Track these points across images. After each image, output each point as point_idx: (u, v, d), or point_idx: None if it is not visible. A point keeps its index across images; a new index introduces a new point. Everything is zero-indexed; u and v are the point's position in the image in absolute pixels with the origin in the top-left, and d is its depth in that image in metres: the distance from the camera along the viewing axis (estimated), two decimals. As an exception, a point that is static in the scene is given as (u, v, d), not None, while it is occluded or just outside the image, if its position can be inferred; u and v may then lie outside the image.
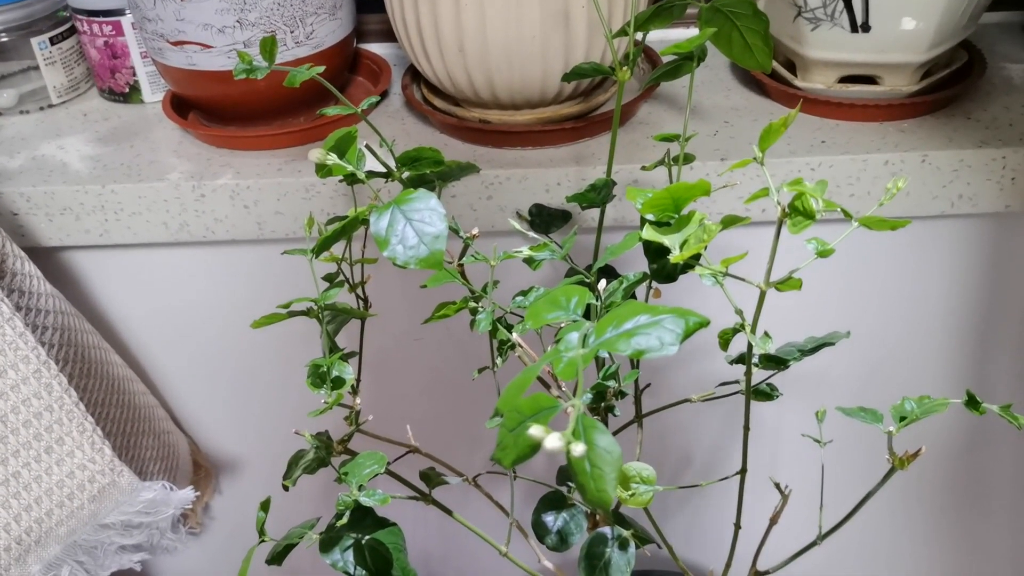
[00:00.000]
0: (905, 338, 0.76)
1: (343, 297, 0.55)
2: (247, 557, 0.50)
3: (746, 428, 0.50)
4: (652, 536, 0.57)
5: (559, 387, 0.50)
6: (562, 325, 0.34)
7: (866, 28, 0.63)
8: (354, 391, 0.53)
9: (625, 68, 0.50)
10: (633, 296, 0.49)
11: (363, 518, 0.51)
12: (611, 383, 0.51)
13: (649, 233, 0.42)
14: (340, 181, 0.64)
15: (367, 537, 0.51)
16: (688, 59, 0.49)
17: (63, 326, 0.66)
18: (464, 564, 0.94)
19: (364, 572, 0.50)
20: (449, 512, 0.56)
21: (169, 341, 0.78)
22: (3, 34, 0.75)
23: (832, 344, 0.54)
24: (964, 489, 0.86)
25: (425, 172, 0.50)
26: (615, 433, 0.54)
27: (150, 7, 0.65)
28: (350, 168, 0.47)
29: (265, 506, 0.52)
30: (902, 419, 0.46)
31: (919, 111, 0.66)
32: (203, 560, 0.94)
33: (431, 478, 0.57)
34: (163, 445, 0.76)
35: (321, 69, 0.49)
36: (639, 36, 0.52)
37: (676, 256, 0.40)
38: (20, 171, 0.69)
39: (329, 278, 0.54)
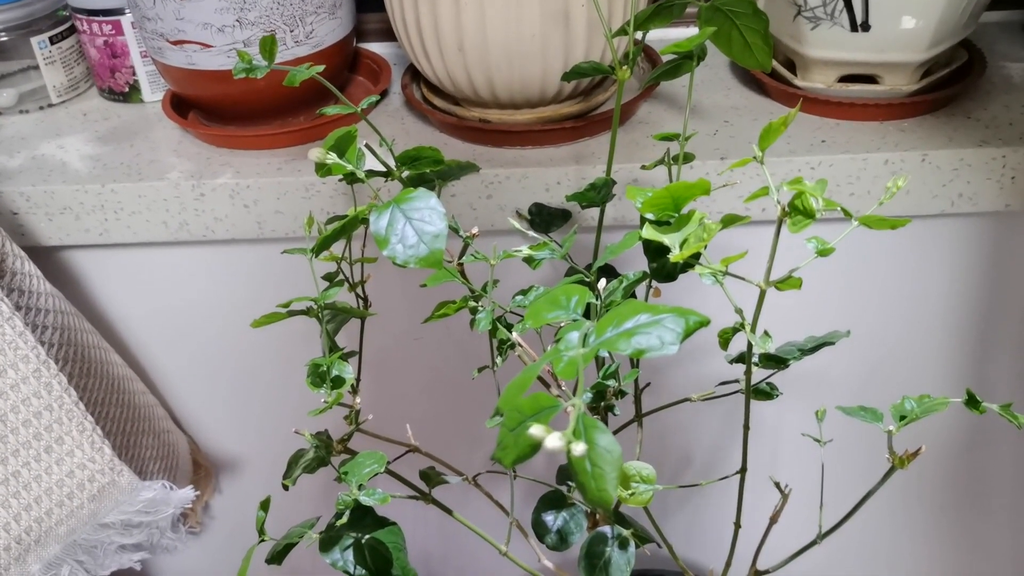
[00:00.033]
0: (905, 337, 0.76)
1: (343, 296, 0.55)
2: (247, 556, 0.50)
3: (746, 427, 0.50)
4: (652, 535, 0.57)
5: (559, 386, 0.50)
6: (562, 324, 0.34)
7: (866, 27, 0.63)
8: (354, 390, 0.53)
9: (625, 67, 0.50)
10: (633, 295, 0.49)
11: (363, 517, 0.51)
12: (611, 382, 0.51)
13: (649, 232, 0.42)
14: (340, 180, 0.64)
15: (367, 536, 0.51)
16: (688, 58, 0.49)
17: (63, 325, 0.66)
18: (464, 563, 0.94)
19: (364, 571, 0.50)
20: (449, 511, 0.56)
21: (169, 340, 0.78)
22: (3, 33, 0.75)
23: (832, 343, 0.54)
24: (964, 488, 0.86)
25: (425, 171, 0.50)
26: (615, 432, 0.54)
27: (150, 6, 0.65)
28: (350, 167, 0.47)
29: (265, 505, 0.52)
30: (902, 418, 0.46)
31: (919, 110, 0.66)
32: (203, 559, 0.94)
33: (431, 477, 0.57)
34: (163, 444, 0.76)
35: (321, 68, 0.49)
36: (639, 35, 0.52)
37: (676, 255, 0.40)
38: (20, 170, 0.69)
39: (329, 277, 0.54)
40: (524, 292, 0.52)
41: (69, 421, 0.61)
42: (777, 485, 0.54)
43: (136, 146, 0.71)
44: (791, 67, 0.70)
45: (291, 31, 0.66)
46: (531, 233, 0.57)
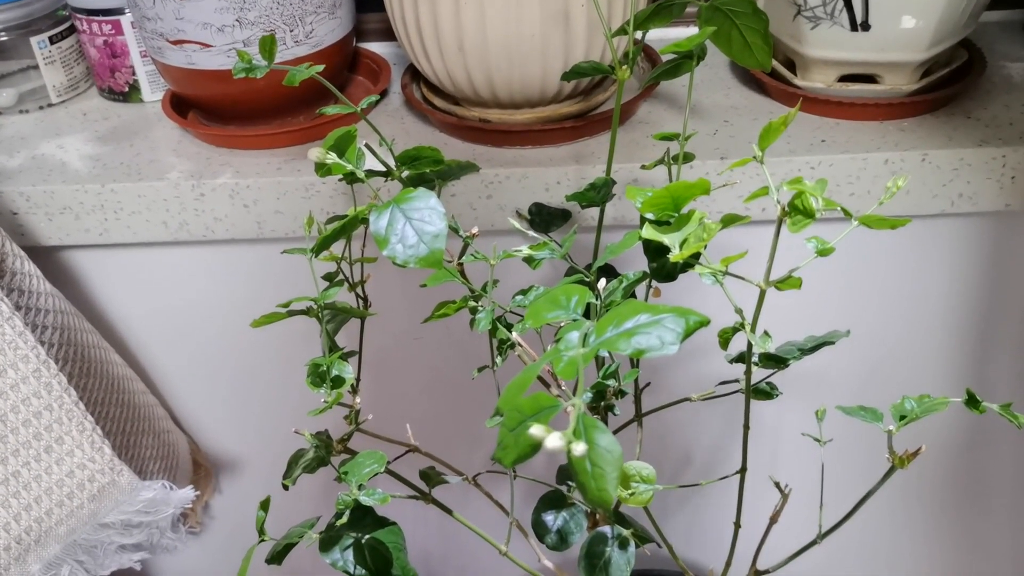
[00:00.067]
0: (905, 337, 0.76)
1: (343, 296, 0.54)
2: (247, 556, 0.50)
3: (746, 427, 0.50)
4: (652, 535, 0.57)
5: (559, 386, 0.50)
6: (562, 324, 0.34)
7: (866, 27, 0.63)
8: (354, 390, 0.53)
9: (625, 67, 0.49)
10: (633, 295, 0.49)
11: (363, 517, 0.51)
12: (611, 382, 0.51)
13: (649, 232, 0.41)
14: (340, 180, 0.64)
15: (367, 536, 0.51)
16: (688, 58, 0.49)
17: (63, 325, 0.66)
18: (464, 563, 0.94)
19: (364, 571, 0.50)
20: (449, 511, 0.56)
21: (169, 340, 0.78)
22: (2, 33, 0.75)
23: (832, 343, 0.54)
24: (964, 488, 0.86)
25: (425, 171, 0.50)
26: (615, 432, 0.54)
27: (149, 6, 0.65)
28: (350, 167, 0.47)
29: (265, 505, 0.52)
30: (902, 418, 0.46)
31: (919, 110, 0.66)
32: (203, 559, 0.94)
33: (431, 477, 0.57)
34: (163, 444, 0.76)
35: (320, 68, 0.49)
36: (638, 35, 0.52)
37: (676, 255, 0.40)
38: (20, 170, 0.69)
39: (329, 277, 0.54)
40: (524, 292, 0.52)
41: (69, 421, 0.61)
42: (777, 485, 0.54)
43: (136, 146, 0.71)
44: (791, 67, 0.70)
45: (291, 31, 0.66)
46: (531, 233, 0.57)
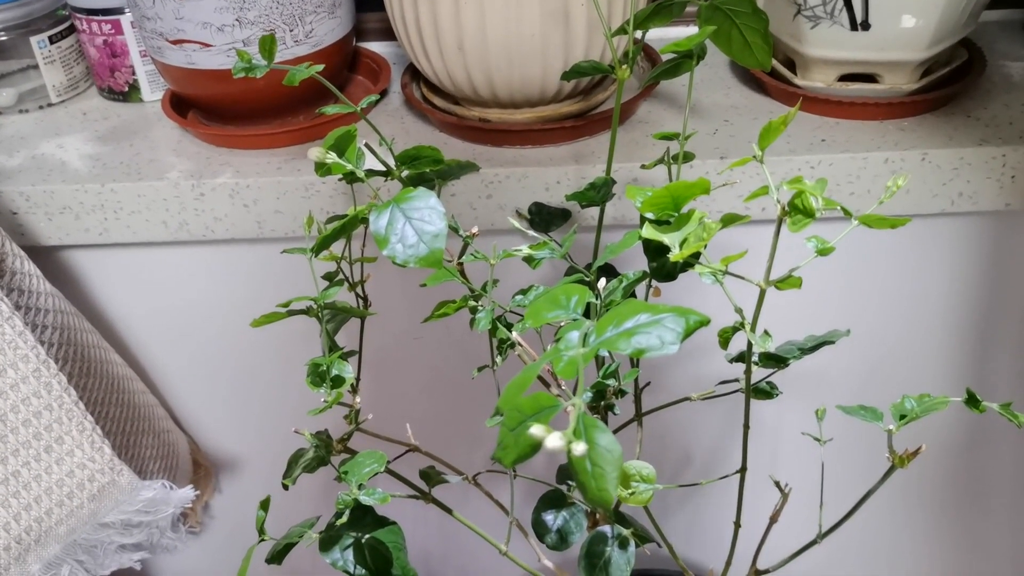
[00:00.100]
0: (905, 336, 0.76)
1: (343, 296, 0.54)
2: (247, 556, 0.50)
3: (746, 427, 0.50)
4: (652, 535, 0.57)
5: (559, 386, 0.50)
6: (562, 324, 0.34)
7: (866, 26, 0.63)
8: (354, 390, 0.53)
9: (624, 66, 0.49)
10: (633, 295, 0.49)
11: (363, 517, 0.51)
12: (611, 382, 0.51)
13: (649, 231, 0.41)
14: (339, 180, 0.64)
15: (367, 536, 0.51)
16: (688, 57, 0.49)
17: (62, 325, 0.66)
18: (464, 563, 0.94)
19: (364, 571, 0.50)
20: (449, 511, 0.56)
21: (169, 340, 0.78)
22: (2, 33, 0.75)
23: (832, 342, 0.54)
24: (964, 487, 0.86)
25: (424, 171, 0.50)
26: (615, 432, 0.54)
27: (149, 6, 0.64)
28: (349, 167, 0.47)
29: (265, 505, 0.52)
30: (902, 417, 0.46)
31: (919, 109, 0.66)
32: (203, 559, 0.94)
33: (431, 477, 0.57)
34: (163, 444, 0.76)
35: (320, 68, 0.49)
36: (638, 34, 0.52)
37: (676, 255, 0.40)
38: (19, 170, 0.69)
39: (329, 277, 0.54)
40: (524, 292, 0.52)
41: (69, 421, 0.61)
42: (777, 484, 0.54)
43: (136, 145, 0.71)
44: (791, 66, 0.70)
45: (290, 30, 0.66)
46: (531, 232, 0.57)
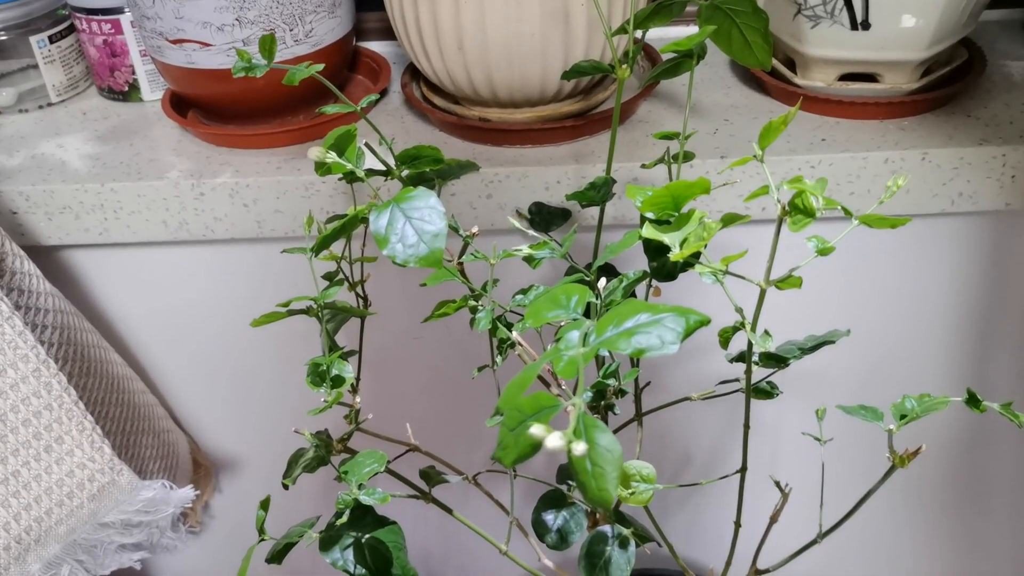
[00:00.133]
0: (905, 336, 0.76)
1: (343, 296, 0.54)
2: (247, 556, 0.50)
3: (746, 426, 0.50)
4: (652, 534, 0.57)
5: (559, 385, 0.50)
6: (562, 324, 0.34)
7: (866, 26, 0.63)
8: (354, 390, 0.53)
9: (625, 66, 0.49)
10: (633, 294, 0.49)
11: (363, 517, 0.51)
12: (611, 381, 0.51)
13: (649, 231, 0.41)
14: (339, 179, 0.64)
15: (367, 536, 0.51)
16: (688, 57, 0.49)
17: (62, 325, 0.66)
18: (464, 563, 0.94)
19: (364, 571, 0.50)
20: (449, 511, 0.56)
21: (169, 340, 0.78)
22: (2, 32, 0.75)
23: (832, 342, 0.54)
24: (964, 487, 0.85)
25: (424, 170, 0.50)
26: (615, 431, 0.54)
27: (149, 5, 0.64)
28: (349, 166, 0.47)
29: (265, 505, 0.52)
30: (902, 417, 0.46)
31: (919, 109, 0.66)
32: (203, 559, 0.94)
33: (431, 477, 0.57)
34: (163, 444, 0.76)
35: (320, 67, 0.49)
36: (639, 34, 0.52)
37: (676, 254, 0.40)
38: (19, 170, 0.69)
39: (329, 276, 0.54)
40: (524, 291, 0.52)
41: (69, 420, 0.61)
42: (777, 484, 0.54)
43: (135, 145, 0.71)
44: (791, 65, 0.70)
45: (290, 30, 0.66)
46: (531, 232, 0.57)
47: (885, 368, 0.78)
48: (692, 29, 0.81)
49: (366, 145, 0.50)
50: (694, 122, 0.68)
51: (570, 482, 0.59)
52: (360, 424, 0.53)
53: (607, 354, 0.53)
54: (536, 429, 0.27)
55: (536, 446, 0.28)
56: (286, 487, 0.51)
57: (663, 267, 0.44)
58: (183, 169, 0.67)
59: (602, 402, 0.53)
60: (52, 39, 0.76)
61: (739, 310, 0.43)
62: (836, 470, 0.82)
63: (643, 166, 0.57)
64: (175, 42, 0.66)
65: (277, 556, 0.51)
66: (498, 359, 0.52)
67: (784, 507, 0.54)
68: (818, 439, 0.55)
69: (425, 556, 0.93)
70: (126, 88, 0.77)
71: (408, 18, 0.62)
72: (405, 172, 0.50)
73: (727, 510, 0.65)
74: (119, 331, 0.78)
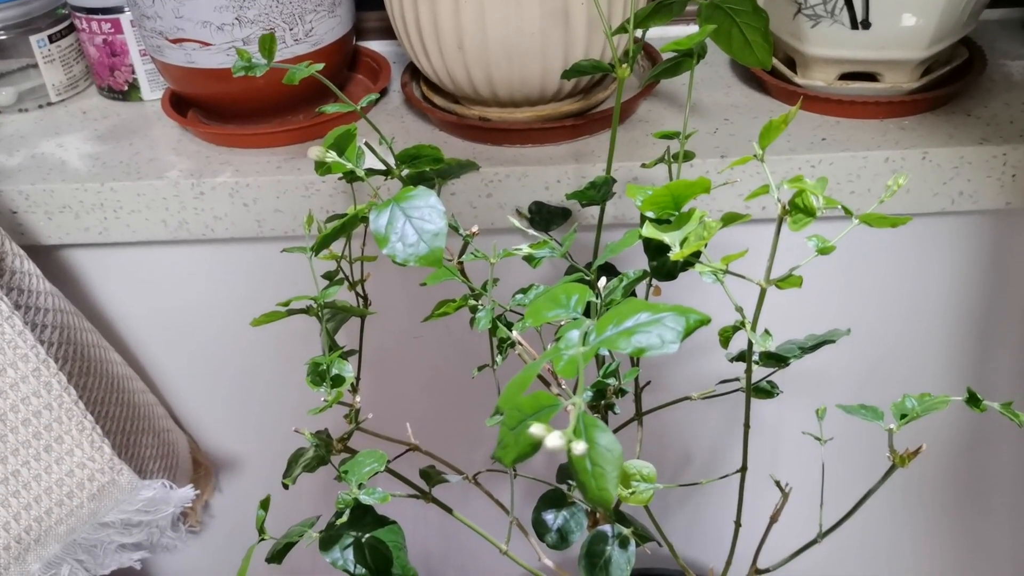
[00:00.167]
0: (906, 335, 0.76)
1: (343, 295, 0.54)
2: (247, 555, 0.50)
3: (746, 426, 0.50)
4: (652, 534, 0.57)
5: (559, 385, 0.50)
6: (562, 323, 0.34)
7: (866, 25, 0.63)
8: (354, 389, 0.53)
9: (625, 65, 0.49)
10: (633, 294, 0.49)
11: (363, 516, 0.51)
12: (611, 381, 0.51)
13: (649, 231, 0.41)
14: (339, 179, 0.64)
15: (367, 535, 0.51)
16: (688, 56, 0.49)
17: (62, 324, 0.66)
18: (464, 562, 0.94)
19: (364, 570, 0.50)
20: (449, 510, 0.55)
21: (168, 339, 0.78)
22: (2, 32, 0.75)
23: (833, 342, 0.54)
24: (965, 487, 0.85)
25: (424, 170, 0.50)
26: (615, 431, 0.54)
27: (149, 4, 0.64)
28: (349, 166, 0.47)
29: (265, 504, 0.52)
30: (903, 417, 0.46)
31: (919, 108, 0.66)
32: (203, 558, 0.94)
33: (431, 476, 0.57)
34: (163, 443, 0.76)
35: (320, 67, 0.49)
36: (639, 33, 0.52)
37: (676, 254, 0.40)
38: (19, 169, 0.69)
39: (329, 276, 0.54)
40: (524, 291, 0.52)
41: (68, 420, 0.61)
42: (777, 484, 0.54)
43: (135, 145, 0.71)
44: (791, 65, 0.70)
45: (290, 29, 0.66)
46: (531, 231, 0.57)
47: (885, 367, 0.78)
48: (692, 28, 0.81)
49: (366, 144, 0.50)
50: (694, 121, 0.68)
51: (570, 482, 0.59)
52: (360, 424, 0.53)
53: (607, 353, 0.53)
54: (536, 428, 0.27)
55: (536, 445, 0.28)
56: (286, 487, 0.51)
57: (663, 266, 0.44)
58: (183, 168, 0.67)
59: (602, 401, 0.53)
60: (52, 38, 0.76)
61: (739, 309, 0.43)
62: (836, 470, 0.82)
63: (643, 165, 0.57)
64: (175, 41, 0.66)
65: (277, 556, 0.51)
66: (498, 358, 0.52)
67: (784, 507, 0.54)
68: (818, 438, 0.55)
69: (425, 556, 0.93)
70: (126, 87, 0.77)
71: (408, 17, 0.62)
72: (405, 171, 0.49)
73: (727, 510, 0.65)
74: (119, 330, 0.78)
